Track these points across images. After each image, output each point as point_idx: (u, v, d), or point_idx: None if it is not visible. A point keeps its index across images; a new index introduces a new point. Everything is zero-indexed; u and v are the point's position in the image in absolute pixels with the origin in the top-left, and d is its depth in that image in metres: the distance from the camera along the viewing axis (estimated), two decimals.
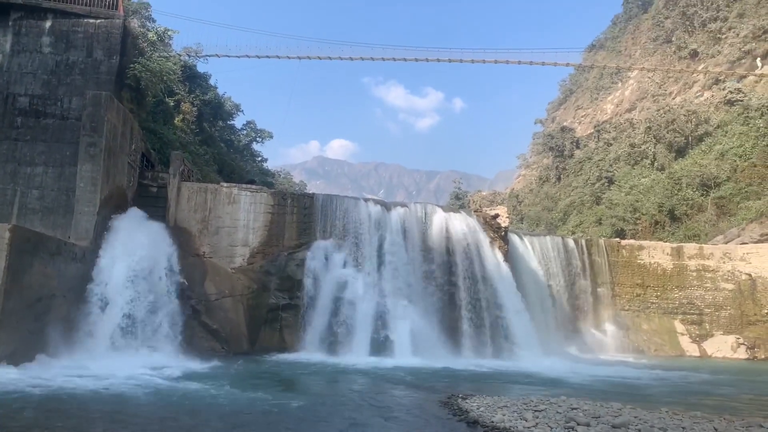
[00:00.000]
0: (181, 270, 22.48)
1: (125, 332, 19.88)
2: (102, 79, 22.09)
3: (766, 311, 34.69)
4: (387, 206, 29.03)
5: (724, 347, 34.43)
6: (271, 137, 63.34)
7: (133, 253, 21.07)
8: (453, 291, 27.69)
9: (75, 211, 20.70)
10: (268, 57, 66.87)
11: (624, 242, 38.36)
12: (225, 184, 27.34)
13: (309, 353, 23.97)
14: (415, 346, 24.70)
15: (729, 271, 36.10)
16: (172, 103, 37.36)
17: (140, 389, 14.17)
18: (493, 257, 28.92)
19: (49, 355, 17.14)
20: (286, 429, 11.19)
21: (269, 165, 70.24)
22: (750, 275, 35.54)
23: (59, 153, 21.24)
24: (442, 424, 11.98)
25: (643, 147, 57.23)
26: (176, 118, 37.23)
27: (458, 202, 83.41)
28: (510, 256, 30.53)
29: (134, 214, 23.04)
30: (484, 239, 29.11)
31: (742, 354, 33.99)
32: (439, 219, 28.95)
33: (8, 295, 15.96)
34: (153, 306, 20.95)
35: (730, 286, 35.87)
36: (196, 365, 19.07)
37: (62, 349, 17.79)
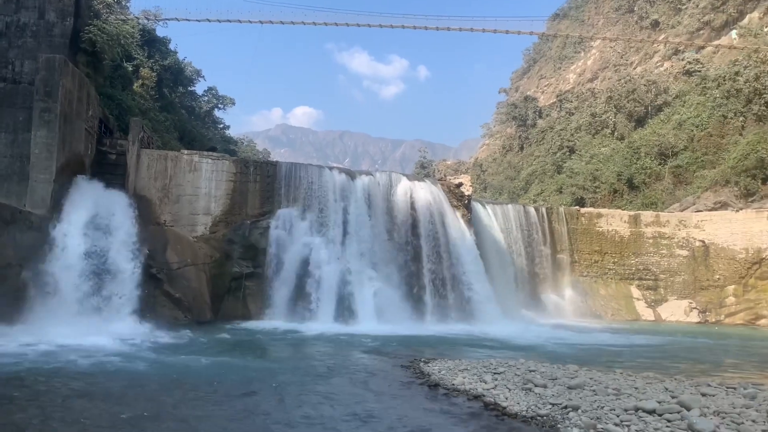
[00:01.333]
0: (141, 239, 22.13)
1: (85, 301, 19.60)
2: (56, 42, 21.33)
3: (717, 276, 36.02)
4: (352, 175, 29.03)
5: (677, 311, 35.75)
6: (234, 104, 62.12)
7: (91, 222, 20.69)
8: (417, 258, 28.00)
9: (30, 179, 20.14)
10: (229, 21, 65.10)
11: (583, 210, 39.19)
12: (186, 152, 26.90)
13: (273, 321, 24.07)
14: (379, 312, 25.03)
15: (684, 238, 37.26)
16: (130, 69, 36.29)
17: (99, 358, 14.07)
18: (457, 225, 29.28)
19: (7, 325, 16.78)
20: (253, 394, 11.27)
21: (232, 132, 68.99)
22: (704, 242, 36.76)
23: (12, 118, 20.56)
24: (403, 387, 12.23)
25: (603, 116, 58.01)
26: (135, 84, 36.20)
27: (423, 171, 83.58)
28: (473, 224, 30.93)
29: (92, 181, 22.50)
30: (447, 208, 29.40)
31: (694, 318, 35.35)
32: (403, 187, 29.08)
33: None
34: (113, 275, 20.66)
35: (684, 253, 37.07)
36: (158, 334, 18.95)
37: (20, 319, 17.47)
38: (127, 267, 21.09)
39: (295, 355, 17.39)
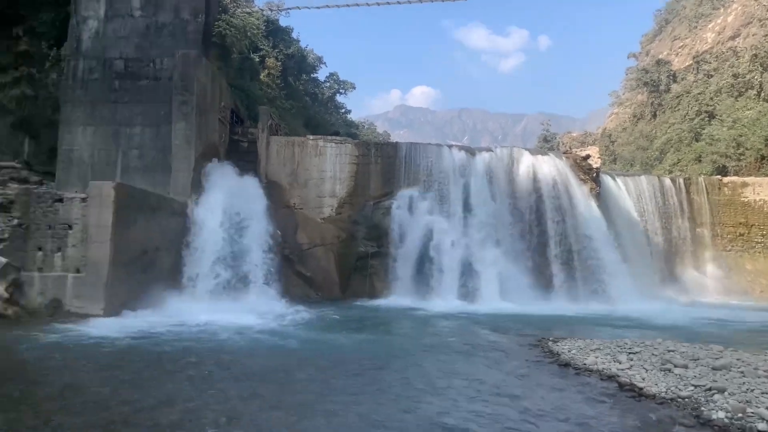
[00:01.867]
0: (274, 221, 23.27)
1: (224, 282, 20.92)
2: (190, 39, 22.71)
3: None
4: (471, 152, 28.67)
5: None
6: (354, 88, 63.32)
7: (228, 206, 21.96)
8: (542, 235, 27.25)
9: (172, 168, 21.75)
10: (347, 6, 66.38)
11: (726, 179, 36.06)
12: (311, 137, 27.83)
13: (398, 299, 24.48)
14: (503, 290, 24.67)
15: None
16: (257, 59, 37.99)
17: (239, 334, 15.00)
18: (584, 200, 28.08)
19: (157, 305, 18.30)
20: (385, 366, 11.58)
21: (353, 117, 70.52)
22: None
23: (155, 113, 22.21)
24: (532, 366, 11.99)
25: (748, 77, 52.86)
26: (262, 74, 37.90)
27: (547, 145, 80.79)
28: (602, 198, 29.51)
29: (227, 168, 23.88)
30: (574, 181, 28.25)
31: None
32: (526, 162, 28.30)
33: (117, 249, 17.17)
34: (249, 256, 21.90)
35: None
36: (294, 311, 19.91)
37: (167, 299, 18.96)
38: (262, 248, 22.27)
39: (423, 332, 17.58)
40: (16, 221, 17.39)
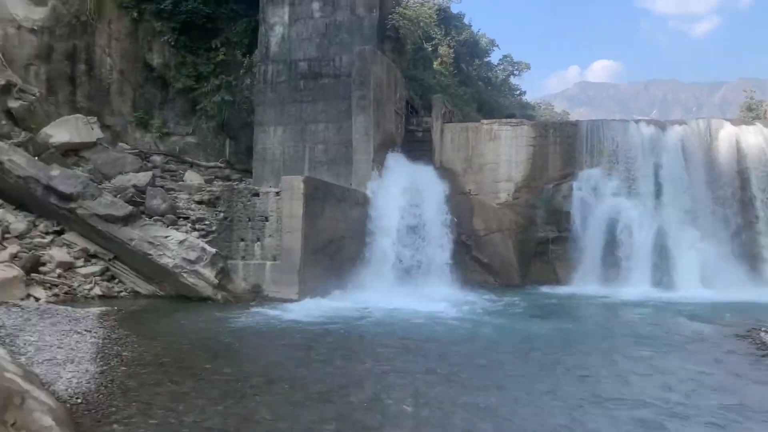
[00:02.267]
0: (450, 208, 23.40)
1: (405, 268, 21.50)
2: (366, 34, 23.51)
3: None
4: (662, 126, 26.42)
5: None
6: (529, 69, 61.46)
7: (406, 195, 22.47)
8: (749, 215, 24.40)
9: (353, 160, 22.75)
10: None
11: None
12: (485, 121, 27.51)
13: (582, 285, 23.37)
14: (703, 276, 22.49)
15: None
16: (430, 48, 38.34)
17: (421, 319, 15.31)
18: None
19: (343, 290, 19.33)
20: (576, 351, 11.15)
21: (528, 98, 68.45)
22: None
23: (336, 109, 23.37)
24: (742, 360, 10.80)
25: None
26: (435, 63, 38.19)
27: (751, 114, 72.19)
28: None
29: (404, 158, 24.44)
30: None
31: None
32: (727, 135, 25.45)
33: (307, 238, 18.38)
34: (428, 243, 22.28)
35: None
36: (472, 297, 19.92)
37: (353, 285, 19.95)
38: (441, 235, 22.53)
39: (614, 321, 16.64)
40: (221, 215, 19.34)
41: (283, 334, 13.03)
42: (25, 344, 9.69)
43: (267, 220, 18.93)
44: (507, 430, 7.26)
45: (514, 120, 28.41)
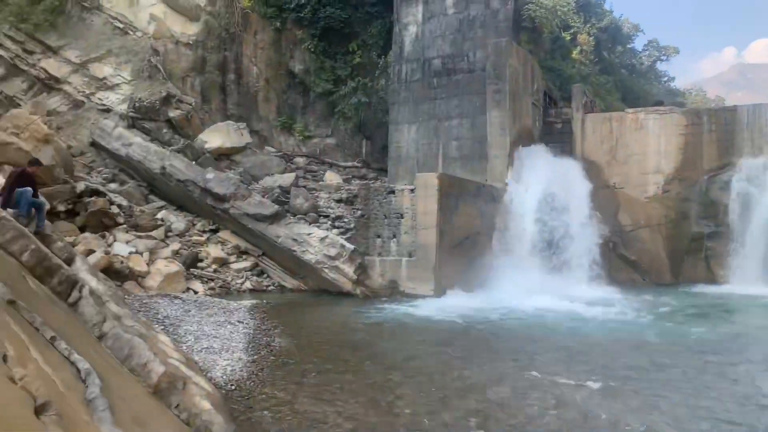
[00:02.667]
0: (592, 202, 22.35)
1: (544, 265, 20.81)
2: (500, 27, 23.08)
3: None
4: None
5: None
6: (677, 53, 57.27)
7: (545, 189, 21.74)
8: None
9: (489, 156, 22.43)
10: None
11: None
12: (630, 110, 25.95)
13: (742, 285, 21.30)
14: None
15: None
16: (568, 37, 36.88)
17: (563, 317, 14.75)
18: None
19: (479, 287, 19.05)
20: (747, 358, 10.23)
21: (677, 84, 63.80)
22: None
23: (470, 104, 23.16)
24: None
25: None
26: (573, 52, 36.68)
27: None
28: None
29: (542, 151, 23.67)
30: None
31: None
32: None
33: (442, 234, 18.39)
34: (569, 240, 21.41)
35: None
36: (619, 296, 18.88)
37: (490, 281, 19.61)
38: (583, 231, 21.55)
39: None
40: (359, 212, 19.88)
41: (419, 330, 13.12)
42: (185, 333, 10.54)
43: (402, 217, 19.17)
44: None
45: (662, 108, 26.51)
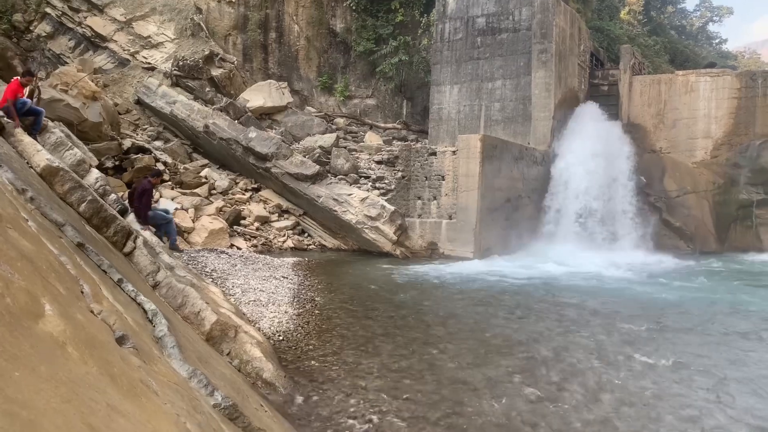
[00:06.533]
0: (638, 167, 21.91)
1: (588, 230, 20.61)
2: None
3: None
4: None
5: None
6: (731, 14, 55.02)
7: (589, 153, 21.40)
8: None
9: (532, 118, 22.05)
10: None
11: None
12: (680, 72, 25.15)
13: None
14: None
15: None
16: None
17: (606, 282, 14.64)
18: None
19: (521, 250, 19.06)
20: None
21: (729, 47, 61.45)
22: None
23: (514, 65, 22.71)
24: None
25: None
26: (622, 12, 35.55)
27: None
28: None
29: (587, 114, 23.21)
30: None
31: None
32: None
33: (483, 197, 18.29)
34: (612, 204, 21.13)
35: None
36: (661, 262, 18.65)
37: (531, 245, 19.57)
38: (627, 197, 21.25)
39: None
40: (400, 174, 19.87)
41: (460, 289, 13.18)
42: (233, 286, 10.81)
43: (443, 179, 19.11)
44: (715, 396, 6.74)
45: (714, 70, 25.61)
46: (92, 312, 2.92)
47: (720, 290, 14.16)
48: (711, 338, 9.40)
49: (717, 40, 56.98)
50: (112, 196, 9.56)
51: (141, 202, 11.80)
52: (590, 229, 20.49)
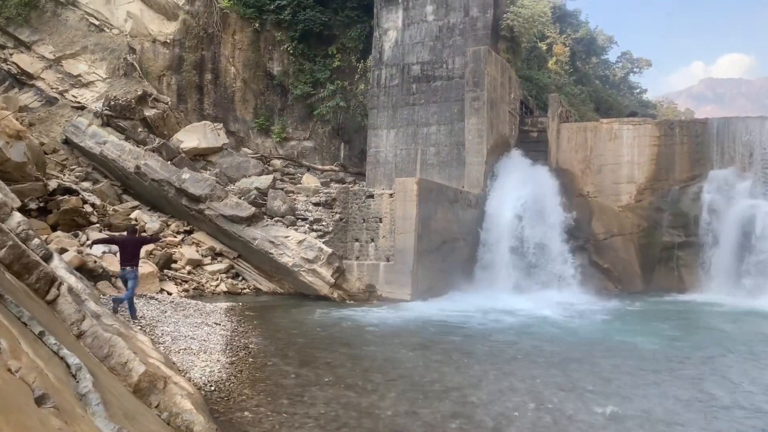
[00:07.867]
0: (567, 211, 22.66)
1: (518, 272, 21.04)
2: (479, 35, 23.30)
3: None
4: None
5: None
6: (650, 66, 58.51)
7: (520, 197, 22.00)
8: None
9: (466, 162, 22.58)
10: None
11: None
12: (605, 120, 26.43)
13: (712, 294, 21.79)
14: None
15: None
16: (544, 47, 37.45)
17: (541, 323, 14.93)
18: None
19: (456, 292, 19.24)
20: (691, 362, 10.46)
21: (649, 96, 65.09)
22: None
23: (448, 111, 23.32)
24: None
25: None
26: (549, 62, 37.23)
27: None
28: None
29: (517, 159, 23.96)
30: None
31: None
32: None
33: (420, 239, 18.47)
34: (543, 246, 21.68)
35: None
36: (590, 303, 19.16)
37: (466, 287, 19.80)
38: (556, 239, 21.85)
39: (741, 332, 15.38)
40: (337, 216, 19.85)
41: (397, 333, 13.15)
42: (162, 334, 10.42)
43: (381, 221, 19.21)
44: None
45: (636, 119, 27.08)
46: (9, 370, 2.74)
47: (616, 331, 14.61)
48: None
49: (638, 90, 60.35)
50: (35, 241, 9.13)
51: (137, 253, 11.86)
52: (522, 272, 20.94)
